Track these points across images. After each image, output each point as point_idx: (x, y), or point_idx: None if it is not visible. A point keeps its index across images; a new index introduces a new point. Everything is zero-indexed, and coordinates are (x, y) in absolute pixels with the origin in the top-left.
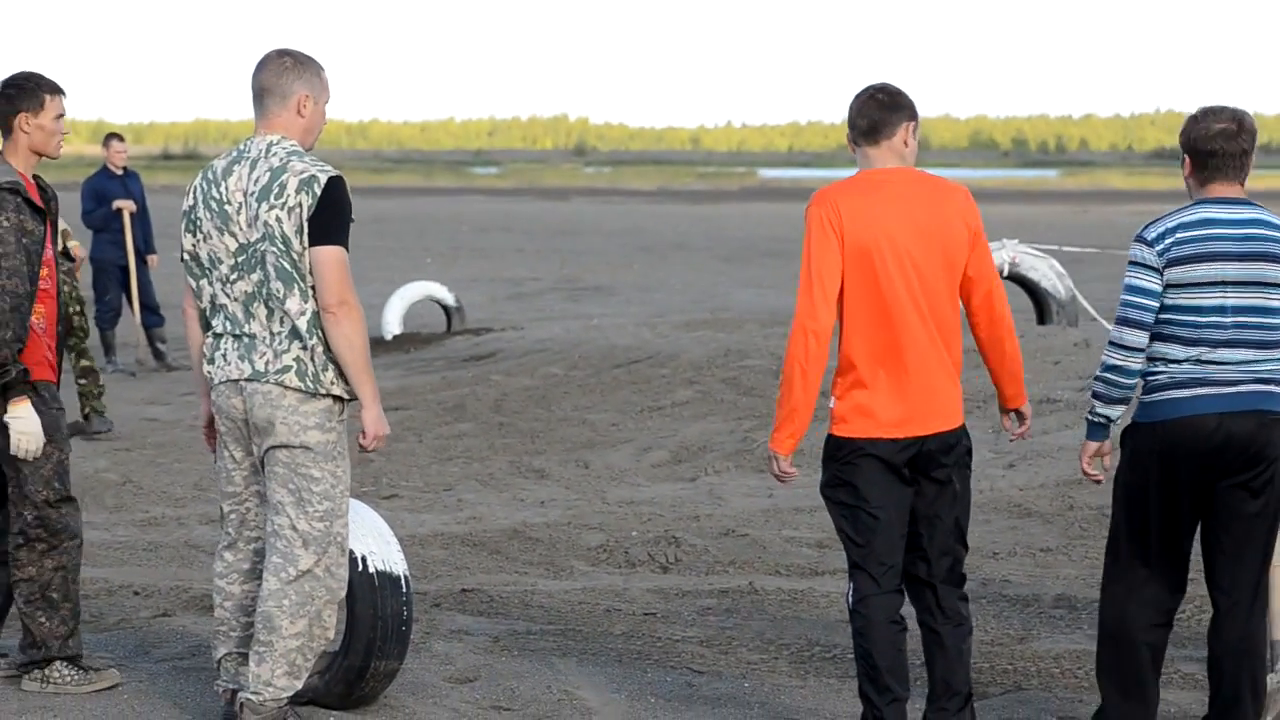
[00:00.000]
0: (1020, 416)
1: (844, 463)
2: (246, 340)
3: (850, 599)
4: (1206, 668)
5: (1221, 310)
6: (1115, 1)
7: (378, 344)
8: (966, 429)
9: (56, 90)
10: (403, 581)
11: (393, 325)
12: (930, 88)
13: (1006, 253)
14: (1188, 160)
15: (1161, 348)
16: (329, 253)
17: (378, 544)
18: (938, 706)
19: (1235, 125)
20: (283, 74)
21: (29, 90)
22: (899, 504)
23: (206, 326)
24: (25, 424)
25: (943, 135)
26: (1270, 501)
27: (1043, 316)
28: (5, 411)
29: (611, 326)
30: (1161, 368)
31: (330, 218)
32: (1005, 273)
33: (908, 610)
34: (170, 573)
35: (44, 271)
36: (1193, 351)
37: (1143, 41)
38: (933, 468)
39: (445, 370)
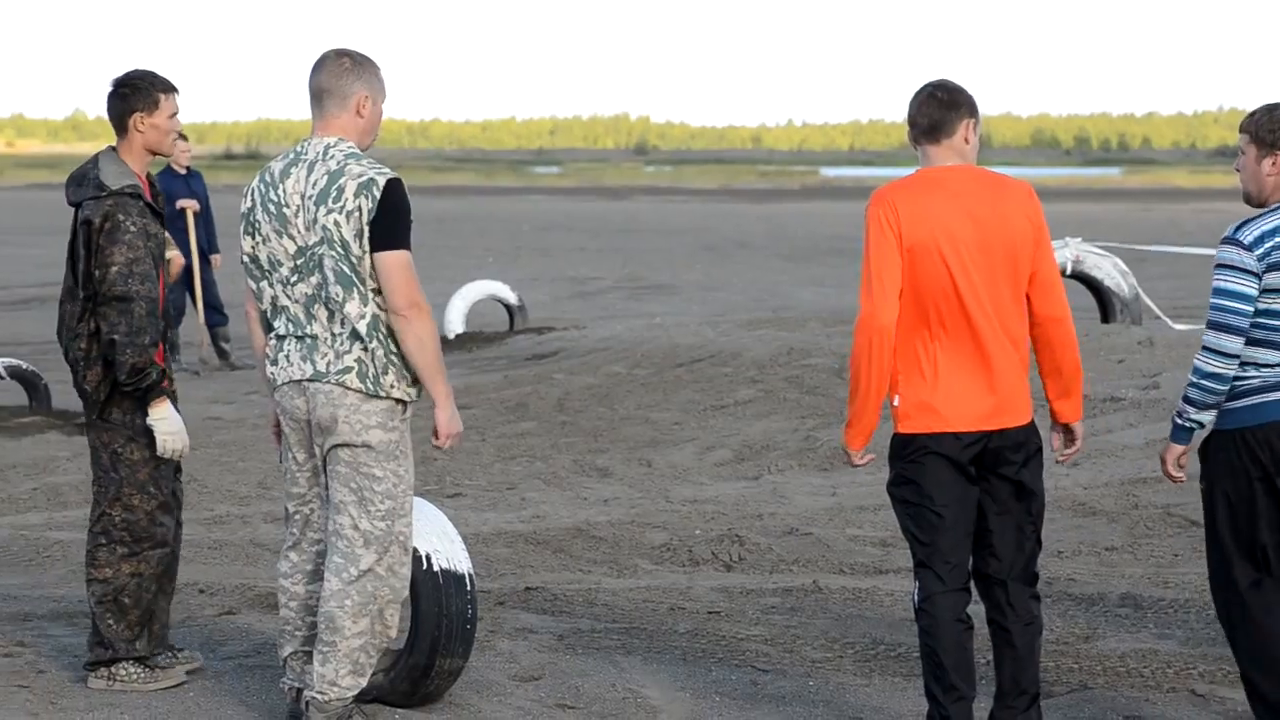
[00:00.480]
0: (1070, 436)
1: (908, 460)
2: (309, 341)
3: (916, 597)
4: None
5: None
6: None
7: (440, 342)
8: (1035, 426)
9: (170, 89)
10: (467, 580)
11: (455, 324)
12: (992, 86)
13: (1070, 251)
14: (1274, 158)
15: (1251, 352)
16: (394, 257)
17: (442, 542)
18: (1005, 705)
19: None
20: (342, 75)
21: (143, 89)
22: (964, 501)
23: (269, 328)
24: (169, 424)
25: (1005, 133)
26: None
27: (1106, 315)
28: (146, 415)
29: (674, 325)
30: (1253, 372)
31: (391, 221)
32: (1068, 271)
33: (976, 609)
34: (235, 571)
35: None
36: None
37: (1205, 39)
38: (1000, 464)
39: (508, 369)
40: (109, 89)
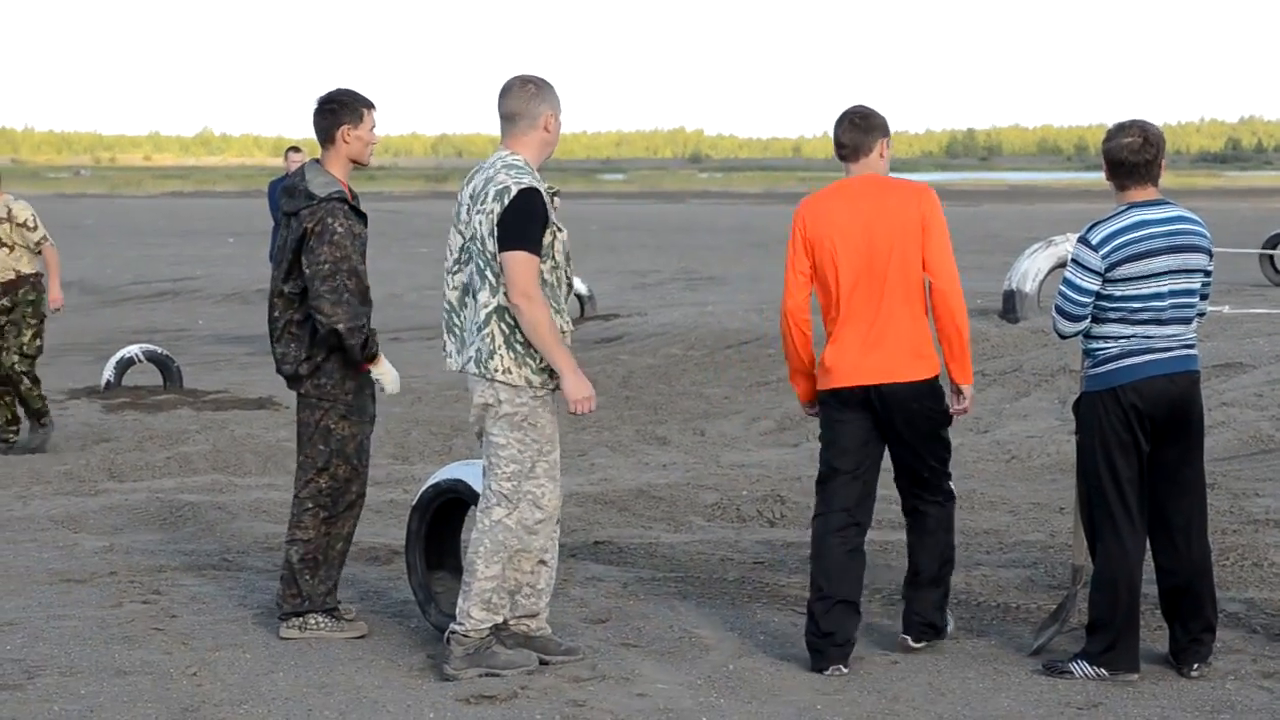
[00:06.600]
0: (959, 393)
1: (821, 411)
2: (457, 332)
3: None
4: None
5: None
6: (1166, 23)
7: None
8: (929, 384)
9: (371, 105)
10: None
11: None
12: (1003, 100)
13: (1069, 244)
14: (1106, 168)
15: (1110, 328)
16: (513, 255)
17: None
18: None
19: (1143, 138)
20: (529, 99)
21: (350, 105)
22: (857, 441)
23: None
24: (390, 372)
25: (1014, 143)
26: None
27: None
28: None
29: (724, 312)
30: (1112, 344)
31: (516, 224)
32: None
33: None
34: None
35: None
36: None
37: (1187, 57)
38: (891, 409)
39: (579, 351)
40: (317, 106)
